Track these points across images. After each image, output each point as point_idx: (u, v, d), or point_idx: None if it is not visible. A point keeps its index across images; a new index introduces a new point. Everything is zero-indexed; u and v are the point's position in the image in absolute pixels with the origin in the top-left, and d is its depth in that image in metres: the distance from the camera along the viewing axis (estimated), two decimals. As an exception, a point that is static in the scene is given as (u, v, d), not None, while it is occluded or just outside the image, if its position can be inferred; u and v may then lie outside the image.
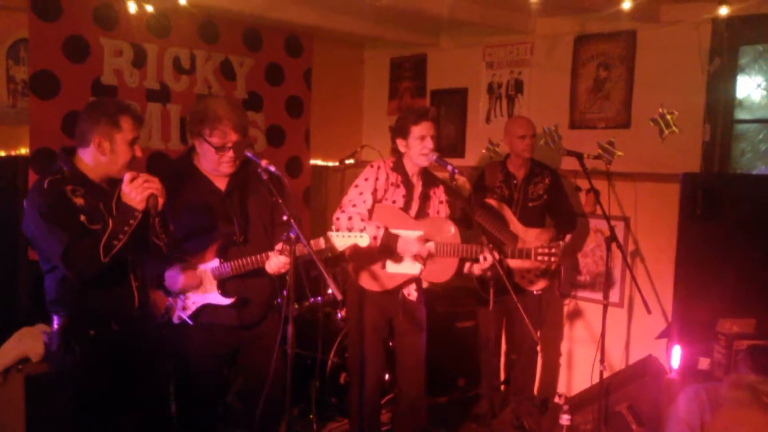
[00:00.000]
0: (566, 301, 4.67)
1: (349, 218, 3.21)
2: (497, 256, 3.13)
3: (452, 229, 3.41)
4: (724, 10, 3.49)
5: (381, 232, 3.20)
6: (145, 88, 4.28)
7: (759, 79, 4.07)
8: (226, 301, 2.92)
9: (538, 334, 4.17)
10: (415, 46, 5.33)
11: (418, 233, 3.32)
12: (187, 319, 2.91)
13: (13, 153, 3.86)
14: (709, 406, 2.68)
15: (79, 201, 2.51)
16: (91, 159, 2.56)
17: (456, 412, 4.41)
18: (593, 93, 4.49)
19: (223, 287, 2.93)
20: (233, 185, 2.99)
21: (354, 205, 3.31)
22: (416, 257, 3.31)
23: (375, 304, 3.42)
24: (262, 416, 2.81)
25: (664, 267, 4.07)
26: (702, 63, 3.99)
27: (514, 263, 3.96)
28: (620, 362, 4.33)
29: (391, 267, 3.37)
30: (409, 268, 3.38)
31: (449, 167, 3.17)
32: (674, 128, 4.15)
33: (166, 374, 3.02)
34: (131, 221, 2.47)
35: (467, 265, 3.40)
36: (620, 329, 4.35)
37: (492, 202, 4.09)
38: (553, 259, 3.36)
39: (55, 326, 2.57)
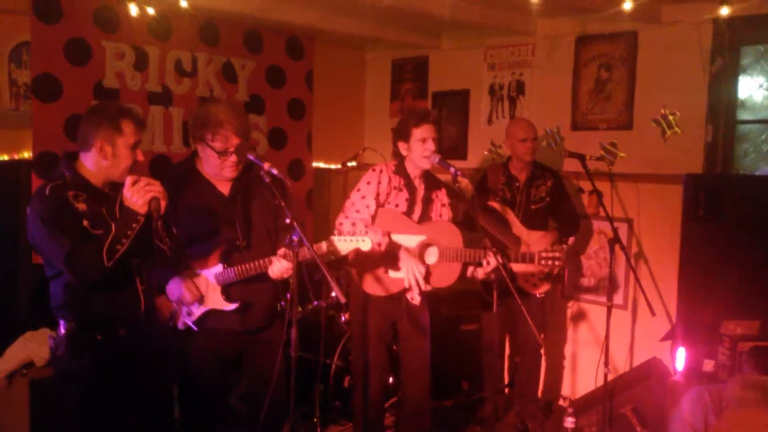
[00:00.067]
0: (570, 304, 4.66)
1: (353, 224, 3.20)
2: (500, 260, 3.12)
3: (455, 232, 3.40)
4: (725, 11, 3.49)
5: (386, 240, 3.19)
6: (147, 90, 4.28)
7: (761, 79, 4.06)
8: (230, 306, 2.92)
9: (542, 336, 4.16)
10: (417, 47, 5.33)
11: (420, 238, 3.31)
12: (191, 325, 2.91)
13: (16, 156, 3.85)
14: (712, 408, 2.68)
15: (82, 206, 2.51)
16: (93, 163, 2.56)
17: (460, 415, 4.40)
18: (595, 94, 4.49)
19: (227, 292, 2.92)
20: (236, 190, 2.99)
21: (357, 211, 3.30)
22: (410, 275, 3.29)
23: (378, 309, 3.41)
24: (266, 419, 2.80)
25: (668, 268, 4.06)
26: (704, 63, 3.99)
27: (517, 267, 3.95)
28: (624, 364, 4.32)
29: (394, 272, 3.36)
30: None
31: (452, 169, 3.15)
32: (676, 129, 4.14)
33: (170, 377, 3.02)
34: (134, 225, 2.47)
35: (470, 269, 3.39)
36: (624, 331, 4.34)
37: (495, 205, 4.08)
38: (557, 263, 3.35)
39: (62, 331, 2.57)
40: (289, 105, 5.04)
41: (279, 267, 2.83)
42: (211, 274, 2.90)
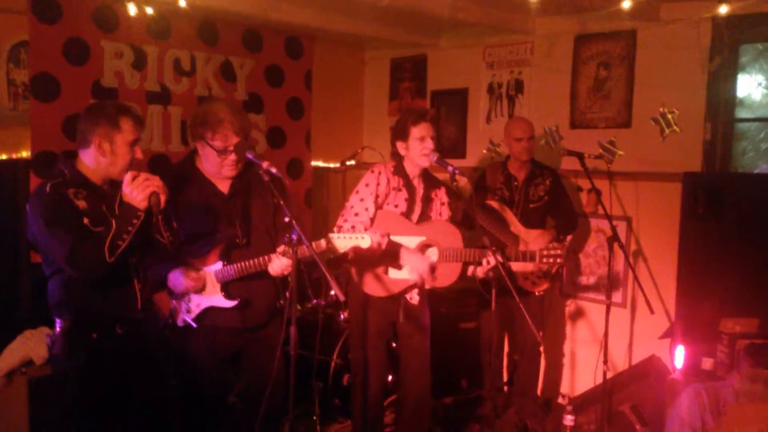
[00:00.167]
0: (568, 302, 4.67)
1: (352, 227, 3.20)
2: (500, 259, 3.12)
3: (455, 232, 3.41)
4: (724, 9, 3.49)
5: (385, 240, 3.19)
6: (145, 90, 4.28)
7: (760, 77, 4.07)
8: (230, 303, 2.92)
9: (541, 335, 4.16)
10: (416, 46, 5.33)
11: (420, 239, 3.31)
12: (191, 322, 2.91)
13: (14, 156, 3.85)
14: (709, 407, 2.69)
15: (82, 204, 2.51)
16: (91, 161, 2.56)
17: (459, 413, 4.40)
18: (594, 92, 4.49)
19: (227, 290, 2.92)
20: (236, 188, 3.00)
21: (356, 214, 3.30)
22: (416, 275, 3.29)
23: (378, 308, 3.41)
24: (265, 417, 2.80)
25: (667, 266, 4.07)
26: (702, 62, 3.99)
27: (516, 265, 3.96)
28: (623, 362, 4.33)
29: (393, 273, 3.36)
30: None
31: (450, 168, 3.16)
32: (675, 127, 4.14)
33: (168, 375, 3.02)
34: (134, 221, 2.47)
35: (470, 268, 3.39)
36: (623, 329, 4.34)
37: (493, 203, 4.09)
38: (558, 260, 3.36)
39: (58, 329, 2.57)
40: (288, 104, 5.05)
41: (279, 264, 2.83)
42: (211, 271, 2.91)
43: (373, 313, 3.41)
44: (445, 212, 3.54)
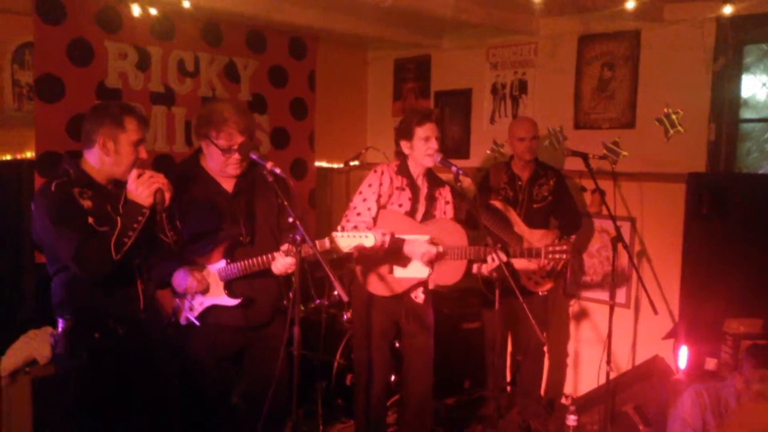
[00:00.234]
0: (572, 302, 4.66)
1: (355, 227, 3.20)
2: (503, 258, 3.12)
3: (459, 230, 3.40)
4: (728, 9, 3.49)
5: (387, 238, 3.20)
6: (149, 91, 4.30)
7: (764, 78, 4.06)
8: (233, 302, 2.93)
9: (545, 335, 4.16)
10: (419, 47, 5.33)
11: (424, 237, 3.32)
12: (194, 320, 2.91)
13: (18, 156, 3.87)
14: (710, 407, 2.69)
15: (87, 203, 2.52)
16: (96, 160, 2.57)
17: (462, 413, 4.39)
18: (598, 93, 4.48)
19: (230, 288, 2.93)
20: (240, 187, 3.00)
21: (359, 214, 3.30)
22: (426, 259, 3.29)
23: (382, 308, 3.42)
24: (268, 417, 2.81)
25: (671, 267, 4.06)
26: (706, 62, 3.98)
27: (520, 264, 3.96)
28: (627, 363, 4.32)
29: (399, 272, 3.36)
30: (418, 271, 3.37)
31: (453, 168, 3.16)
32: (679, 128, 4.13)
33: (170, 375, 3.02)
34: (140, 217, 2.49)
35: (475, 266, 3.39)
36: (627, 330, 4.33)
37: (497, 203, 4.09)
38: (564, 256, 3.35)
39: (60, 329, 2.58)
40: (292, 104, 5.05)
41: (282, 263, 2.84)
42: (215, 269, 2.91)
43: (376, 313, 3.42)
44: (450, 211, 3.54)
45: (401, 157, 3.43)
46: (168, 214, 2.59)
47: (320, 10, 4.47)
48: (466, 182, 3.39)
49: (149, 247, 2.65)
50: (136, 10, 3.91)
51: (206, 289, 2.91)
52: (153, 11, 4.01)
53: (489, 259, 3.21)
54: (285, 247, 2.81)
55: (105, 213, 2.55)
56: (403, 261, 3.34)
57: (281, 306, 3.11)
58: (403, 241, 3.27)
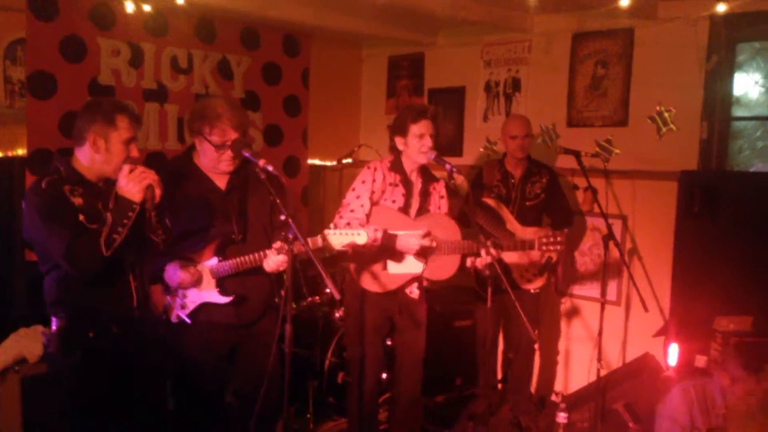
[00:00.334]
0: (563, 300, 4.68)
1: (348, 224, 3.20)
2: (495, 254, 3.12)
3: (453, 225, 3.41)
4: (721, 7, 3.50)
5: (380, 234, 3.20)
6: (142, 87, 4.28)
7: (756, 76, 4.07)
8: (225, 299, 2.92)
9: (536, 332, 4.17)
10: (413, 44, 5.33)
11: (418, 233, 3.32)
12: (185, 318, 2.91)
13: (10, 154, 3.85)
14: (697, 404, 2.71)
15: (78, 201, 2.51)
16: (86, 158, 2.56)
17: (453, 410, 4.40)
18: (591, 91, 4.49)
19: (222, 285, 2.93)
20: (233, 184, 3.00)
21: (352, 210, 3.30)
22: (418, 254, 3.30)
23: (375, 304, 3.42)
24: (259, 415, 2.81)
25: (662, 265, 4.07)
26: (699, 60, 3.99)
27: (512, 259, 3.97)
28: (617, 360, 4.33)
29: (393, 268, 3.37)
30: (412, 267, 3.38)
31: (447, 166, 3.16)
32: (672, 126, 4.15)
33: (164, 373, 3.02)
34: (130, 213, 2.48)
35: (469, 260, 3.40)
36: (617, 327, 4.35)
37: (490, 201, 4.09)
38: (559, 247, 3.36)
39: (54, 328, 2.57)
40: (285, 102, 5.04)
41: (274, 260, 2.84)
42: (207, 266, 2.91)
43: (370, 309, 3.42)
44: (444, 205, 3.54)
45: (395, 152, 3.43)
46: (158, 213, 2.58)
47: (314, 6, 4.46)
48: (460, 180, 3.40)
49: (141, 245, 2.64)
50: (129, 7, 3.90)
51: (198, 283, 2.90)
52: (146, 8, 4.00)
53: (483, 252, 3.21)
54: (277, 244, 2.81)
55: (96, 210, 2.55)
56: (397, 257, 3.35)
57: (273, 303, 3.11)
58: (395, 236, 3.27)
